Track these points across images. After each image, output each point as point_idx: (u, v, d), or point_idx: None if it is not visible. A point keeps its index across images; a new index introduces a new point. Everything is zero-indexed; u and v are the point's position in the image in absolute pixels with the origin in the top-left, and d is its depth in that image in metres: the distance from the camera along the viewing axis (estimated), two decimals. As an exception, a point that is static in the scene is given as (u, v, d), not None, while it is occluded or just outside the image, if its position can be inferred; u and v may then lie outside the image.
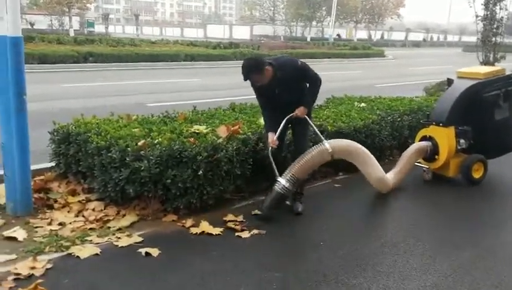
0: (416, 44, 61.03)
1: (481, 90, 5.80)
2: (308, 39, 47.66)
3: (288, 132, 4.86)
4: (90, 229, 4.11)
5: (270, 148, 4.53)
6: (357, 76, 19.75)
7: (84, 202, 4.60)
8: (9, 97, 4.14)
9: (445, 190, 5.60)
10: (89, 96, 11.54)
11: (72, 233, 3.99)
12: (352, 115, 6.14)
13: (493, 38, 10.61)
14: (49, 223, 4.18)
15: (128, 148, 4.29)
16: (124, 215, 4.36)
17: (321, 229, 4.37)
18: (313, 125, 4.74)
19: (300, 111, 4.53)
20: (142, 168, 4.15)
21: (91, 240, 3.85)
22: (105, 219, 4.28)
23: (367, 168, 5.02)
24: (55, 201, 4.62)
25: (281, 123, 4.55)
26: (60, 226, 4.14)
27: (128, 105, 10.62)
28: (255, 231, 4.17)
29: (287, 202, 4.76)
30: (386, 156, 6.45)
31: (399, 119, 6.48)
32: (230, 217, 4.41)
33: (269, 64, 4.33)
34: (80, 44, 21.49)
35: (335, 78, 16.64)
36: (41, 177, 5.03)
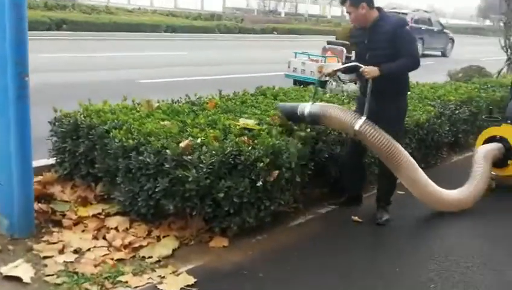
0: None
1: None
2: (283, 14, 46.06)
3: None
4: (119, 260, 3.06)
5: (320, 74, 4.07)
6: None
7: (102, 217, 3.53)
8: (7, 79, 3.01)
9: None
10: (70, 69, 10.24)
11: (96, 268, 2.92)
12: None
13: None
14: (61, 251, 3.10)
15: (167, 151, 3.23)
16: (158, 238, 3.32)
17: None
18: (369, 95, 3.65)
19: (371, 69, 3.65)
20: (190, 178, 3.11)
21: (126, 282, 2.80)
22: (137, 243, 3.22)
23: (407, 179, 3.89)
24: (63, 215, 3.53)
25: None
26: (76, 255, 3.07)
27: (118, 82, 9.43)
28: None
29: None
30: (439, 155, 5.57)
31: (456, 112, 5.59)
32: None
33: (376, 9, 3.76)
34: (50, 9, 19.68)
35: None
36: (39, 178, 3.91)
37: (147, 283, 2.82)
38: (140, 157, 3.26)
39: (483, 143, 4.92)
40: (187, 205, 3.26)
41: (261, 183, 3.34)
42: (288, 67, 9.16)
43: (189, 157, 3.17)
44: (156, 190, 3.22)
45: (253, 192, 3.34)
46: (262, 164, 3.32)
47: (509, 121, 4.88)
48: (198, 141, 3.37)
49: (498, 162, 4.81)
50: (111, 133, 3.52)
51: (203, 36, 20.79)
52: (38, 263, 2.94)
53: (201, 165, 3.14)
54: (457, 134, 5.72)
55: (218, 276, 2.96)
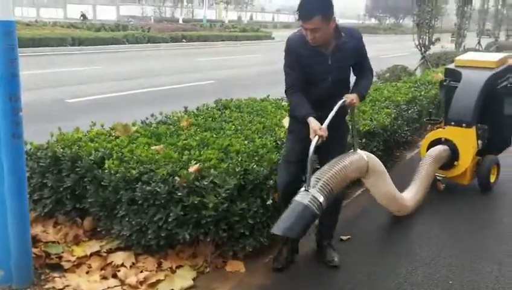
0: (286, 25, 62.21)
1: (495, 81, 5.08)
2: (180, 21, 45.83)
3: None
4: (141, 299, 2.87)
5: (315, 141, 2.85)
6: (265, 60, 18.39)
7: (103, 254, 3.29)
8: (-1, 116, 2.71)
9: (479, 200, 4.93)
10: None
11: (123, 312, 2.73)
12: (367, 111, 5.38)
13: (431, 21, 10.58)
14: (74, 298, 2.86)
15: (176, 178, 3.09)
16: (171, 270, 3.16)
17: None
18: (355, 127, 3.40)
19: (352, 98, 3.07)
20: (211, 205, 2.99)
21: (163, 323, 2.65)
22: (152, 278, 3.04)
23: (385, 192, 3.78)
24: (59, 257, 3.24)
25: (325, 109, 2.99)
26: (92, 300, 2.84)
27: (45, 103, 8.91)
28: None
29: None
30: (395, 154, 5.86)
31: (409, 111, 5.91)
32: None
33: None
34: None
35: (247, 63, 15.77)
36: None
37: (185, 320, 2.68)
38: (148, 188, 3.08)
39: (429, 146, 4.98)
40: (200, 232, 3.15)
41: (271, 201, 3.31)
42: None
43: (204, 182, 3.05)
44: (169, 220, 3.07)
45: (265, 211, 3.30)
46: (272, 181, 3.29)
47: (453, 123, 4.94)
48: (206, 164, 3.26)
49: (444, 164, 4.90)
50: (105, 164, 3.30)
51: (112, 48, 20.06)
52: (54, 316, 2.68)
53: (218, 189, 3.04)
54: (408, 132, 6.04)
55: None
